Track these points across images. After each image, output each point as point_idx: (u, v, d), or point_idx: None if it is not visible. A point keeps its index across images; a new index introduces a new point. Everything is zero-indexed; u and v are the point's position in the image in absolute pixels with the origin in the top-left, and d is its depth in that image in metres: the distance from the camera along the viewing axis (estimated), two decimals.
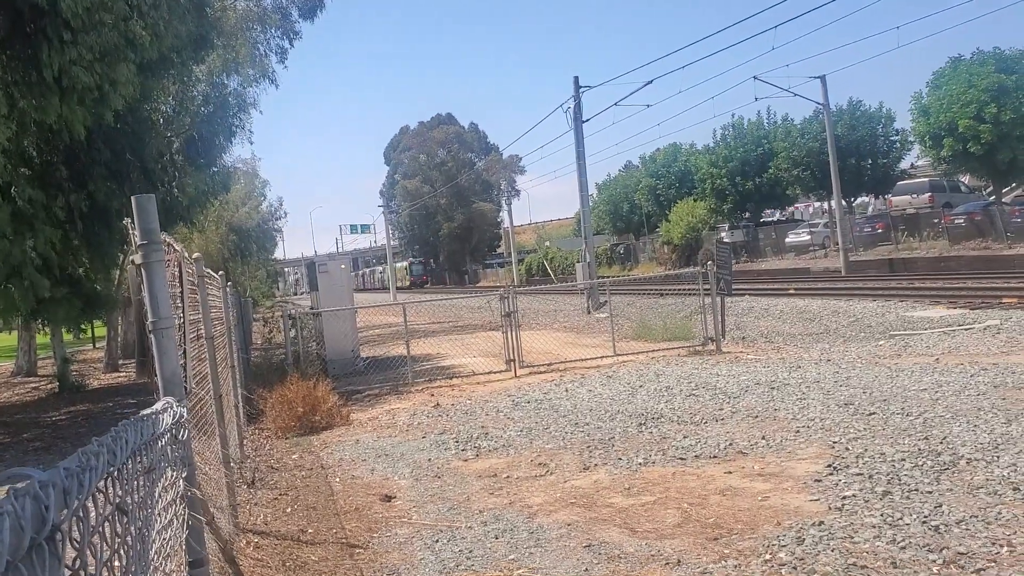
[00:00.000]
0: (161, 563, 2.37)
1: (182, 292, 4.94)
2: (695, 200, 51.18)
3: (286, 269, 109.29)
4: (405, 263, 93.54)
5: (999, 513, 5.30)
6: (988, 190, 41.13)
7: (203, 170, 18.73)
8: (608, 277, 39.26)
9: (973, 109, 33.75)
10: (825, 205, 51.05)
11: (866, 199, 52.11)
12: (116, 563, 1.53)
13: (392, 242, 79.82)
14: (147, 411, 2.19)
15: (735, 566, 4.91)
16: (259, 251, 53.98)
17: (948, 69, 36.17)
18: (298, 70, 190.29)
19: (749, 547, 5.21)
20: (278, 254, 75.87)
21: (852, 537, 5.16)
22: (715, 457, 7.57)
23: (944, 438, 7.22)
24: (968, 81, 34.24)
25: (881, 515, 5.48)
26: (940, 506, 5.53)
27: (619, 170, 71.43)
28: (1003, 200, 37.83)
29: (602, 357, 15.25)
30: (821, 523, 5.46)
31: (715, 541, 5.39)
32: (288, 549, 6.08)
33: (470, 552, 5.69)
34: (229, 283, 11.25)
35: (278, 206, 58.94)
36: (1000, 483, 5.88)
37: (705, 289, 15.80)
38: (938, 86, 36.24)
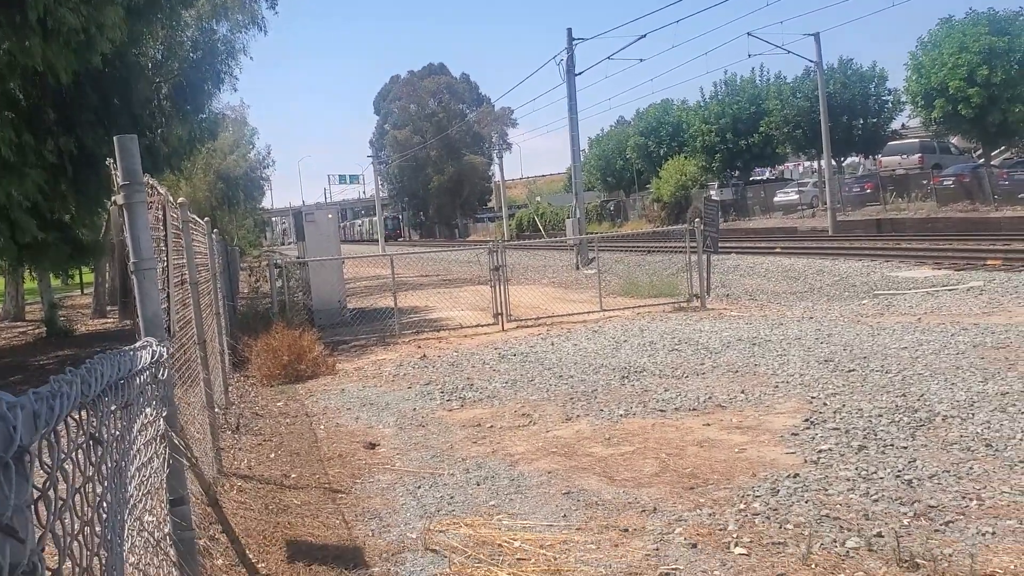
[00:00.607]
0: (141, 498, 2.41)
1: (166, 236, 4.94)
2: (686, 158, 51.04)
3: (274, 219, 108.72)
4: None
5: (971, 468, 5.41)
6: (977, 152, 41.14)
7: (191, 116, 18.53)
8: (597, 233, 39.30)
9: (964, 71, 33.61)
10: (815, 164, 50.99)
11: (856, 159, 52.08)
12: (91, 492, 1.56)
13: (381, 193, 79.46)
14: (126, 348, 2.22)
15: (709, 514, 5.00)
16: (247, 200, 53.67)
17: (940, 29, 35.95)
18: (288, 16, 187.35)
19: (724, 496, 5.30)
20: (266, 203, 75.49)
21: (826, 489, 5.25)
22: (694, 410, 7.66)
23: (921, 395, 7.32)
24: (960, 43, 34.04)
25: (856, 469, 5.58)
26: (914, 461, 5.63)
27: (611, 125, 71.15)
28: (992, 163, 37.87)
29: (589, 312, 15.33)
30: (796, 475, 5.55)
31: (691, 490, 5.49)
32: (271, 493, 6.15)
33: (451, 498, 5.77)
34: (215, 231, 11.22)
35: (266, 154, 58.54)
36: (974, 439, 5.98)
37: (692, 247, 15.84)
38: (931, 46, 36.04)
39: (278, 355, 11.41)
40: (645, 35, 30.40)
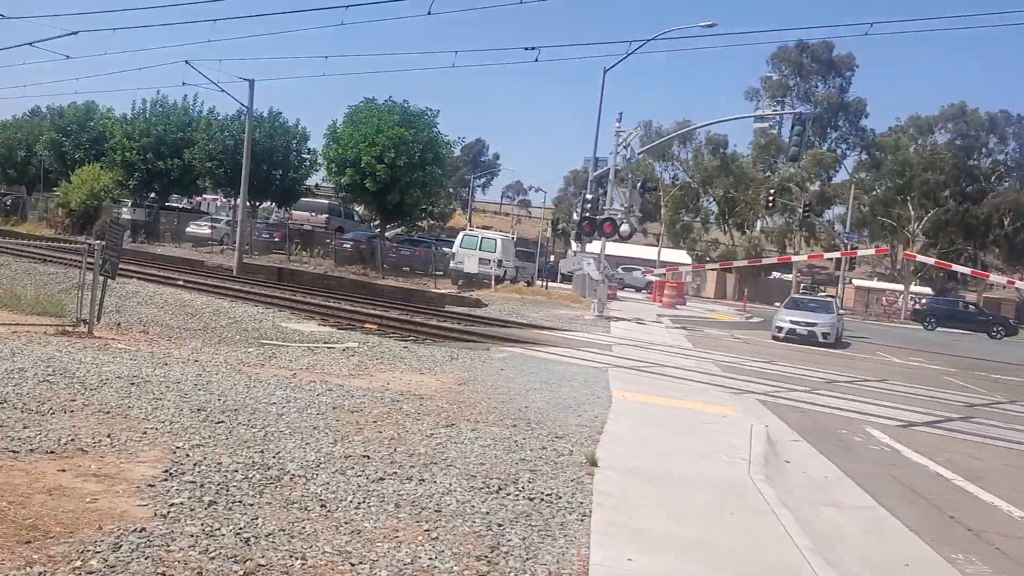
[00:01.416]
0: None
1: None
2: (102, 168, 48.29)
3: None
4: None
5: (303, 528, 6.03)
6: (375, 223, 45.92)
7: None
8: None
9: (377, 150, 37.61)
10: (232, 202, 51.99)
11: (271, 206, 54.36)
12: None
13: None
14: None
15: (40, 573, 4.85)
16: None
17: (363, 107, 39.86)
18: None
19: (62, 552, 5.17)
20: None
21: (169, 546, 5.42)
22: (52, 452, 7.29)
23: (278, 453, 7.94)
24: (377, 125, 38.11)
25: (202, 525, 5.85)
26: (256, 519, 6.09)
27: (24, 114, 64.50)
28: (386, 236, 42.57)
29: None
30: (143, 529, 5.63)
31: (27, 545, 5.24)
32: None
33: None
34: None
35: None
36: (312, 499, 6.68)
37: (90, 263, 14.97)
38: (353, 121, 39.67)
39: None
40: (78, 32, 28.31)
